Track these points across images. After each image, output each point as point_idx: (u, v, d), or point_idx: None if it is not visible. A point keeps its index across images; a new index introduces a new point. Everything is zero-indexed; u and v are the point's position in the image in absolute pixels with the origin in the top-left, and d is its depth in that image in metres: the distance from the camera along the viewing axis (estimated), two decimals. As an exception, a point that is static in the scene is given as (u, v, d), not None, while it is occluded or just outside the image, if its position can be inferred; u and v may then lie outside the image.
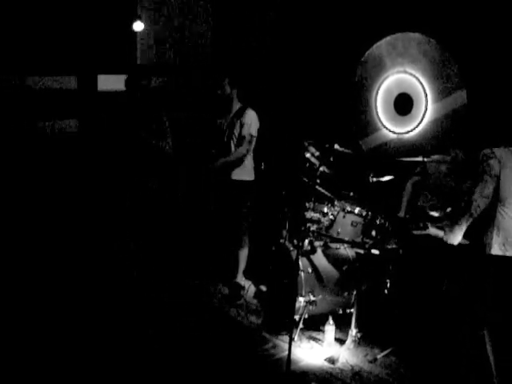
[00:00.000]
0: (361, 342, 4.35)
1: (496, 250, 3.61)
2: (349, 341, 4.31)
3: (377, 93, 5.82)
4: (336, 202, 4.77)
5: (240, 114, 5.12)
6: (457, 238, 3.77)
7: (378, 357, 4.17)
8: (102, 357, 3.94)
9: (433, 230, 4.07)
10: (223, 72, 5.18)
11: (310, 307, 4.44)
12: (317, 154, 4.77)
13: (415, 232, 4.24)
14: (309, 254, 4.68)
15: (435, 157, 4.71)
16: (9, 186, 5.50)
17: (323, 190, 4.85)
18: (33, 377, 3.67)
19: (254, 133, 5.10)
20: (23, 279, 4.98)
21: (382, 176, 4.78)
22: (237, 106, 5.18)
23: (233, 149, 5.12)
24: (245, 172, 5.16)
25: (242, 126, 5.07)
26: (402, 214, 4.90)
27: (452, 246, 3.84)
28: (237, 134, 5.09)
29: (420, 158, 4.74)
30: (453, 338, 4.21)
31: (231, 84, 5.12)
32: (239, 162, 5.12)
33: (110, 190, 5.37)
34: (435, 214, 4.77)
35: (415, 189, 5.05)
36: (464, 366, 3.86)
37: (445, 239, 3.85)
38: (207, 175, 5.33)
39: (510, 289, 3.56)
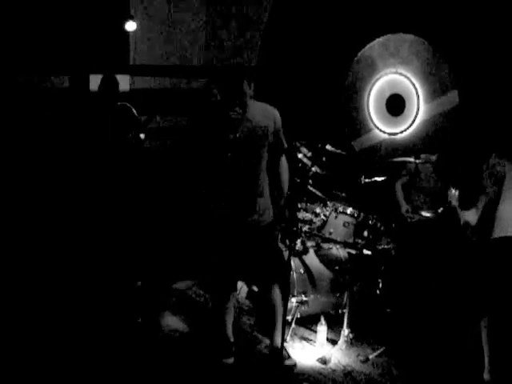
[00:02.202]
0: (353, 342, 4.35)
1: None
2: (341, 341, 4.31)
3: (369, 93, 5.83)
4: (328, 203, 4.78)
5: None
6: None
7: (370, 357, 4.18)
8: (99, 355, 3.93)
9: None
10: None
11: (302, 307, 4.44)
12: (309, 154, 4.77)
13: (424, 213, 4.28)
14: (301, 254, 4.69)
15: (423, 156, 4.77)
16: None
17: (315, 191, 4.85)
18: (33, 377, 3.65)
19: None
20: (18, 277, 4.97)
21: (374, 176, 4.80)
22: None
23: None
24: None
25: None
26: (403, 209, 4.94)
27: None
28: None
29: (412, 159, 4.78)
30: (445, 336, 4.24)
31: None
32: None
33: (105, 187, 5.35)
34: (427, 214, 4.79)
35: (405, 189, 5.10)
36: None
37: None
38: None
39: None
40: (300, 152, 4.72)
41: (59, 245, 5.34)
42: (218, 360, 3.87)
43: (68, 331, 4.22)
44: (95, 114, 5.24)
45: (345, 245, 4.75)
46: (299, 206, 4.76)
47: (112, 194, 5.09)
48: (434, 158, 4.90)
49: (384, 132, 5.76)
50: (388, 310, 4.64)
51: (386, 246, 4.67)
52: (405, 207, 4.96)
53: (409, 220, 4.83)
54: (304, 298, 4.44)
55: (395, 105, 5.66)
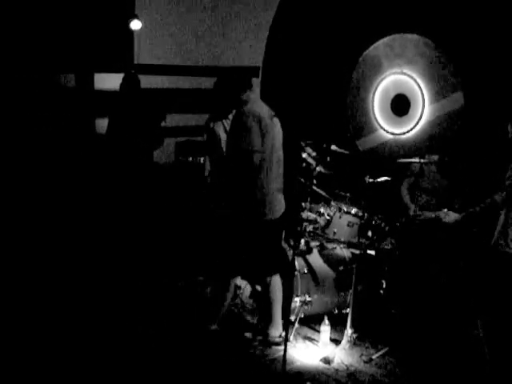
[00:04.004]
0: (356, 342, 4.35)
1: None
2: (344, 341, 4.31)
3: (374, 93, 5.82)
4: (332, 203, 4.78)
5: None
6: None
7: (374, 357, 4.17)
8: (101, 356, 3.93)
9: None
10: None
11: (306, 307, 4.44)
12: (313, 154, 4.76)
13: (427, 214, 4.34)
14: (305, 254, 4.69)
15: (427, 156, 4.77)
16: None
17: (320, 191, 4.85)
18: (33, 377, 3.65)
19: None
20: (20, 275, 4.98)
21: (379, 177, 4.79)
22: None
23: None
24: None
25: None
26: (411, 211, 4.92)
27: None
28: None
29: (416, 159, 4.77)
30: (449, 336, 4.23)
31: None
32: None
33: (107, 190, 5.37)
34: (432, 214, 4.78)
35: (409, 190, 5.08)
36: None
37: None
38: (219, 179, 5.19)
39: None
40: (305, 152, 4.72)
41: (64, 243, 5.37)
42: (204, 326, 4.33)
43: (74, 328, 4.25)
44: (119, 112, 5.25)
45: (349, 245, 4.75)
46: (303, 205, 4.75)
47: (127, 191, 5.12)
48: (435, 157, 4.89)
49: (389, 132, 5.75)
50: (392, 311, 4.63)
51: (389, 247, 4.66)
52: (413, 209, 4.94)
53: (417, 221, 4.80)
54: (307, 298, 4.44)
55: (400, 105, 5.64)
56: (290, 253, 4.50)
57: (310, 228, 4.71)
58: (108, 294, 4.88)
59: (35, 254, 5.23)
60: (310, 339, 4.44)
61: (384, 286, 4.70)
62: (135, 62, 6.59)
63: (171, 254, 5.61)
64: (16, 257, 5.12)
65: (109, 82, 6.05)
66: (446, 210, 4.16)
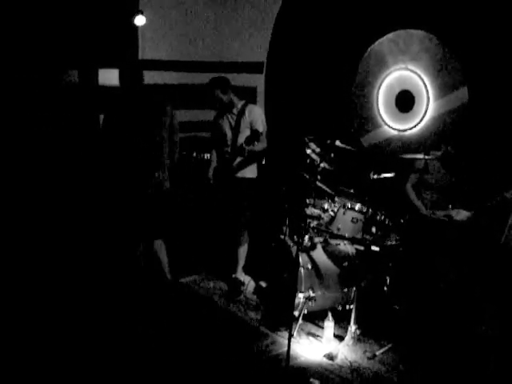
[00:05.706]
0: (360, 338, 4.35)
1: None
2: (348, 337, 4.31)
3: (378, 89, 5.80)
4: (336, 199, 4.78)
5: (246, 111, 5.07)
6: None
7: (377, 353, 4.17)
8: (101, 356, 3.94)
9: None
10: (211, 83, 5.12)
11: (310, 303, 4.44)
12: (318, 150, 4.75)
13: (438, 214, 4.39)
14: (309, 250, 4.69)
15: (431, 153, 4.76)
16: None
17: (324, 187, 4.85)
18: (33, 377, 3.66)
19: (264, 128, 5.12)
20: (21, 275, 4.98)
21: (383, 173, 4.78)
22: (239, 104, 5.14)
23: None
24: (248, 169, 5.14)
25: (253, 122, 5.02)
26: (423, 211, 4.89)
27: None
28: (248, 132, 5.01)
29: (421, 156, 4.75)
30: (452, 333, 4.23)
31: (223, 91, 5.07)
32: (256, 158, 5.10)
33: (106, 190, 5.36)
34: (442, 213, 4.75)
35: (415, 188, 5.07)
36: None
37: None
38: (224, 175, 5.20)
39: None
40: (309, 148, 4.71)
41: (65, 242, 5.37)
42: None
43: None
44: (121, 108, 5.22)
45: (353, 241, 4.74)
46: (307, 201, 4.75)
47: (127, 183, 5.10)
48: (439, 153, 4.88)
49: (393, 128, 5.74)
50: (395, 307, 4.63)
51: (394, 243, 4.65)
52: (423, 208, 4.90)
53: (427, 220, 4.77)
54: (311, 294, 4.44)
55: (405, 101, 5.62)
56: (294, 249, 4.50)
57: (314, 224, 4.72)
58: (108, 293, 4.88)
59: (37, 256, 5.24)
60: (314, 335, 4.44)
61: (388, 282, 4.69)
62: (139, 57, 6.58)
63: (172, 251, 5.61)
64: (16, 255, 5.13)
65: (113, 77, 6.04)
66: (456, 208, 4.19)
